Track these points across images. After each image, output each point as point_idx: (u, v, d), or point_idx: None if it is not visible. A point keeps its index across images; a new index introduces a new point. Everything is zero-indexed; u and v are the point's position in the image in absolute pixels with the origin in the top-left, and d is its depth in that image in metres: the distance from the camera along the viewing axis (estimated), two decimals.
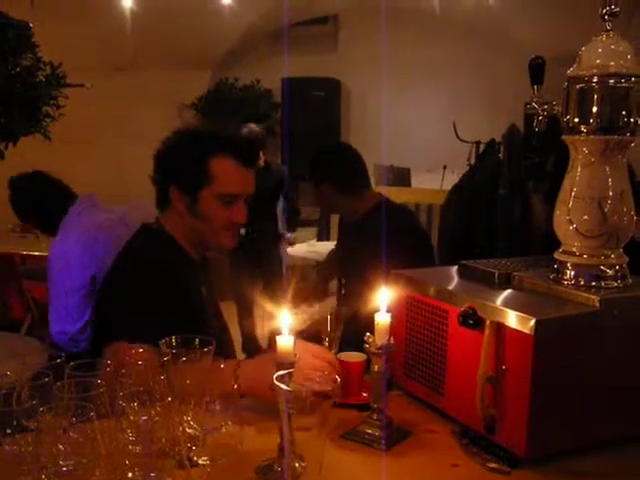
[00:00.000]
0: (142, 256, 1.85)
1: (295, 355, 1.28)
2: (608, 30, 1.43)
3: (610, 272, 1.45)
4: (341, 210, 2.97)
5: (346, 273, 3.14)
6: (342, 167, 2.87)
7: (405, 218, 3.01)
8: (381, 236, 2.47)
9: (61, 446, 1.03)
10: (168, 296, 1.72)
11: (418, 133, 6.97)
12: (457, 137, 5.29)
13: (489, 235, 4.49)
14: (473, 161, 5.01)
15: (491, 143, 4.84)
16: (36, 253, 4.78)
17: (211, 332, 1.72)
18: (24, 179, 3.15)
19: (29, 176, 3.15)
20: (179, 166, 1.86)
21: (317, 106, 7.06)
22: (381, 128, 6.43)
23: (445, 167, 5.78)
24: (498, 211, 4.52)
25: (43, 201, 3.06)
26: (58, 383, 1.18)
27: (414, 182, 6.33)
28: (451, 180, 5.18)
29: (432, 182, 5.97)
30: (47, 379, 1.18)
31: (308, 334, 1.66)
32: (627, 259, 1.48)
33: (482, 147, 5.02)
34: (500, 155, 4.78)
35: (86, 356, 1.54)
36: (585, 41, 1.46)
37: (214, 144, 1.86)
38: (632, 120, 1.41)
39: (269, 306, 1.35)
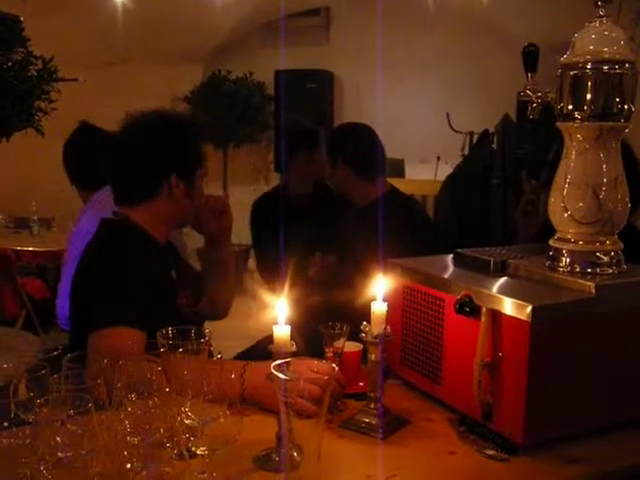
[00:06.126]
0: (110, 243, 1.86)
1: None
2: (601, 16, 1.42)
3: (605, 258, 1.45)
4: (353, 192, 2.91)
5: (345, 257, 3.12)
6: (360, 149, 2.89)
7: (415, 209, 3.01)
8: (389, 224, 2.47)
9: (59, 438, 1.03)
10: (138, 279, 1.73)
11: (412, 124, 6.95)
12: (451, 128, 5.29)
13: (483, 224, 4.50)
14: (467, 151, 5.02)
15: (484, 133, 4.86)
16: (30, 249, 4.75)
17: (183, 316, 1.78)
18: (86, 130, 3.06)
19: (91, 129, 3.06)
20: (178, 155, 1.91)
21: (310, 98, 7.01)
22: (375, 119, 6.40)
23: (439, 158, 5.78)
24: (492, 200, 4.54)
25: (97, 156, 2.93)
26: (55, 375, 1.18)
27: (408, 173, 6.33)
28: (445, 171, 5.19)
29: (426, 173, 5.97)
30: (44, 372, 1.18)
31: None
32: (622, 245, 1.48)
33: (475, 137, 5.03)
34: (493, 145, 4.80)
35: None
36: (578, 28, 1.46)
37: (199, 129, 2.03)
38: (626, 106, 1.41)
39: (265, 295, 1.34)
